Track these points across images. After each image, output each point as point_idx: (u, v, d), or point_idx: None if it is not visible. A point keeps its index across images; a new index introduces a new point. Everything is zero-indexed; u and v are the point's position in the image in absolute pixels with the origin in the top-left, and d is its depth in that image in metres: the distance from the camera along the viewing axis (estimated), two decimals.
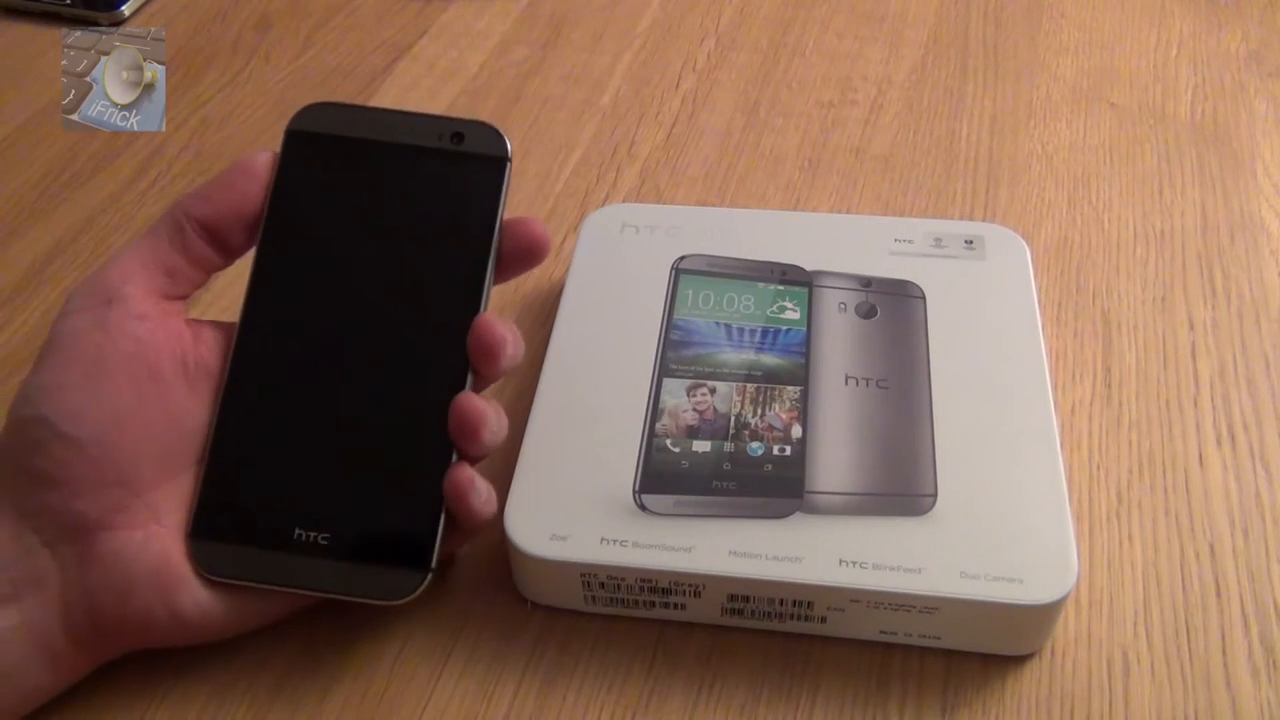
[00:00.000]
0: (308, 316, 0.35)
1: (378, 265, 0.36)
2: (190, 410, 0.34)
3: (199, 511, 0.34)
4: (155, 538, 0.33)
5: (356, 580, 0.33)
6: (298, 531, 0.33)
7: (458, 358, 0.34)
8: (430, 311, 0.35)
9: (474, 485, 0.33)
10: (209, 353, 0.35)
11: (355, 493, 0.34)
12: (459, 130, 0.36)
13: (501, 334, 0.34)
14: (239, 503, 0.34)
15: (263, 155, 0.36)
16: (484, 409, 0.34)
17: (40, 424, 0.32)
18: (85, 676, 0.34)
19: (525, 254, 0.36)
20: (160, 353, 0.34)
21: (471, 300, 0.35)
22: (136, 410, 0.33)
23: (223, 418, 0.34)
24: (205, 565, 0.33)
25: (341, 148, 0.36)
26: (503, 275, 0.36)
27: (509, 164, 0.36)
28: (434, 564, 0.33)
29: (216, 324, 0.36)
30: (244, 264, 0.37)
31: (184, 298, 0.36)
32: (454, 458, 0.34)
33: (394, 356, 0.35)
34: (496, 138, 0.36)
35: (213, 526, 0.33)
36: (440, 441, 0.34)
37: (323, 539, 0.33)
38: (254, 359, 0.35)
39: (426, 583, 0.33)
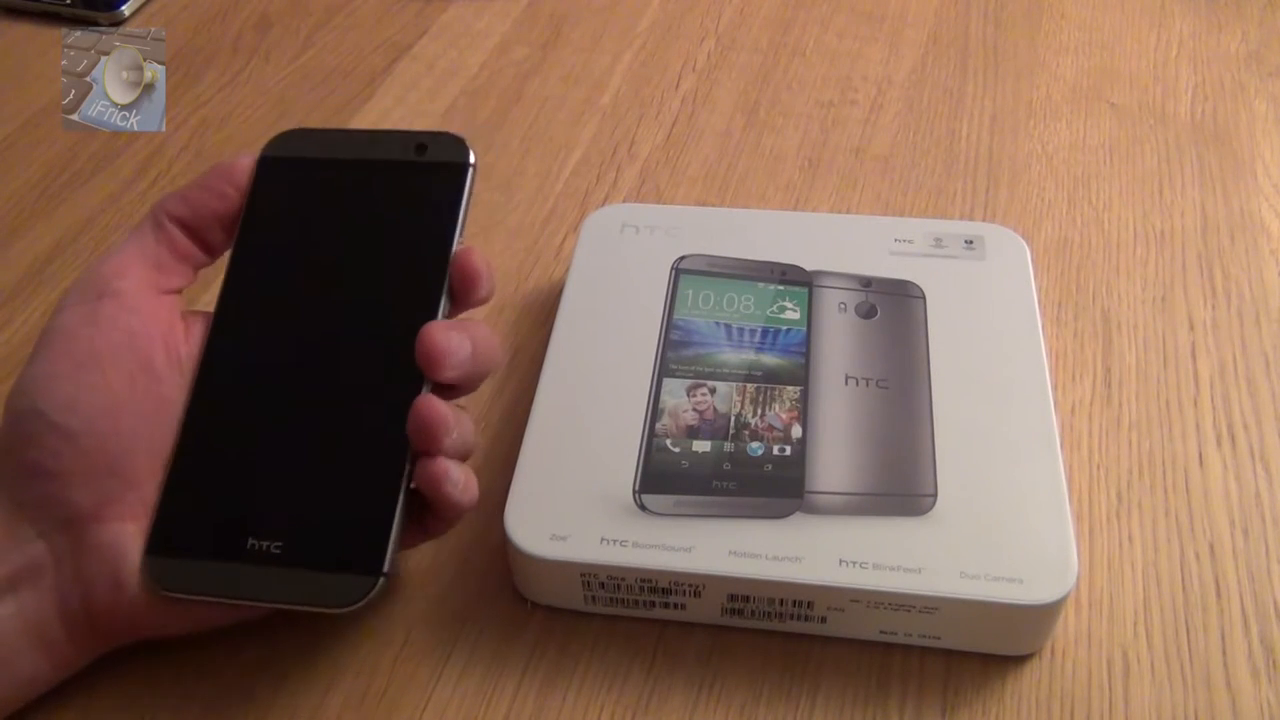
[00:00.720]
0: (272, 328, 0.35)
1: (341, 276, 0.35)
2: (184, 402, 0.34)
3: (155, 526, 0.33)
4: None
5: (306, 588, 0.32)
6: (251, 541, 0.33)
7: (413, 364, 0.33)
8: (388, 318, 0.34)
9: (448, 475, 0.32)
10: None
11: (309, 500, 0.33)
12: (422, 142, 0.37)
13: (442, 343, 0.33)
14: (195, 515, 0.33)
15: (242, 159, 0.37)
16: (442, 413, 0.32)
17: (34, 416, 0.32)
18: (86, 669, 0.34)
19: (462, 285, 0.35)
20: (153, 344, 0.34)
21: (427, 305, 0.34)
22: (129, 401, 0.33)
23: (183, 432, 0.34)
24: (159, 580, 0.32)
25: (313, 169, 0.37)
26: (454, 308, 0.35)
27: (470, 169, 0.36)
28: (386, 568, 0.32)
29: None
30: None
31: (177, 291, 0.36)
32: (408, 465, 0.33)
33: (351, 363, 0.34)
34: (459, 146, 0.36)
35: (167, 541, 0.33)
36: (396, 447, 0.33)
37: (275, 548, 0.32)
38: (217, 370, 0.35)
39: (378, 588, 0.32)
